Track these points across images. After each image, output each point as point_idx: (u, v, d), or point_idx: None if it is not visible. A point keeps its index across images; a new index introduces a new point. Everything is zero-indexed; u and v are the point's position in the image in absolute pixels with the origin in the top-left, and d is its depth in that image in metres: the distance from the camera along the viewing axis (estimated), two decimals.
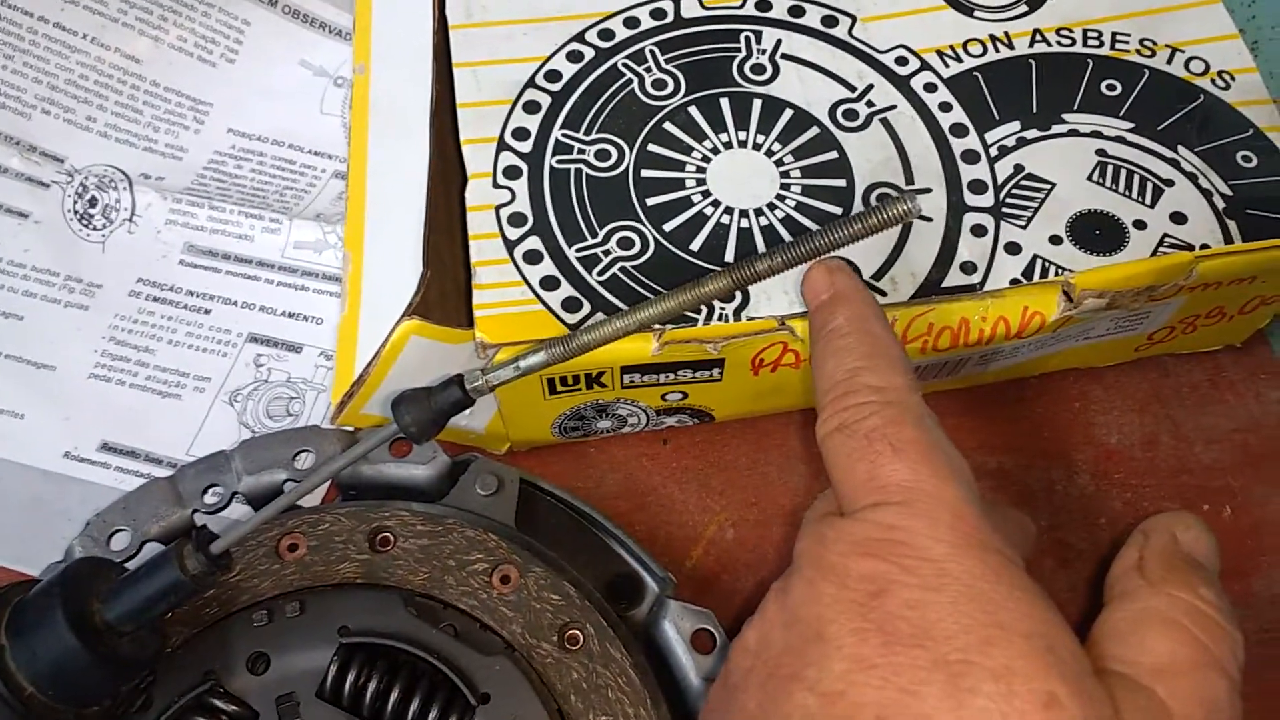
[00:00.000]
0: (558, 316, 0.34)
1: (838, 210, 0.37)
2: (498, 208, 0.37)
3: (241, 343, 0.44)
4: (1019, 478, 0.41)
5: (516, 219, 0.37)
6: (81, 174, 0.47)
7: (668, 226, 0.37)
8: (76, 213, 0.47)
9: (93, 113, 0.48)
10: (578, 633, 0.33)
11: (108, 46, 0.48)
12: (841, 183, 0.38)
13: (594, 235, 0.36)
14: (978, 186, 0.38)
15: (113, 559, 0.34)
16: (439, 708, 0.31)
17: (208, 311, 0.45)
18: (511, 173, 0.38)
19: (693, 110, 0.39)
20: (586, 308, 0.35)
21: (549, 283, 0.35)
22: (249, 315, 0.44)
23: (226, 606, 0.33)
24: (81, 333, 0.44)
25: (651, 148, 0.38)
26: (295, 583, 0.33)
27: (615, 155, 0.38)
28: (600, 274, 0.35)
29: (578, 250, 0.36)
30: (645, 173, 0.38)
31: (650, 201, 0.37)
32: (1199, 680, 0.26)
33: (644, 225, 0.37)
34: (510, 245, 0.36)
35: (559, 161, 0.38)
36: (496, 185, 0.37)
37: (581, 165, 0.38)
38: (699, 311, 0.35)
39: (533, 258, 0.36)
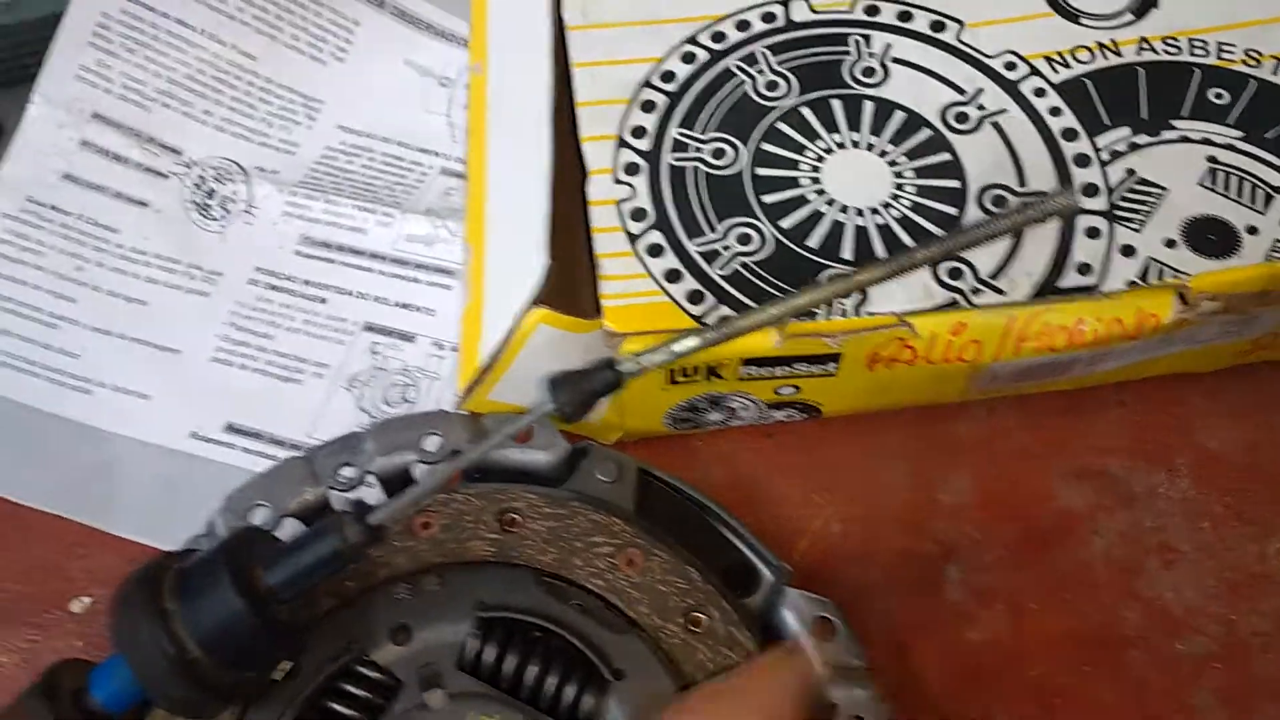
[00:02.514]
0: (683, 308, 0.36)
1: (953, 211, 0.38)
2: (619, 202, 0.38)
3: (357, 331, 0.45)
4: (1123, 479, 0.41)
5: (638, 214, 0.38)
6: (199, 166, 0.49)
7: (785, 224, 0.38)
8: (195, 203, 0.48)
9: (209, 107, 0.50)
10: (702, 616, 0.34)
11: (225, 43, 0.50)
12: (955, 184, 0.39)
13: (713, 230, 0.37)
14: (1090, 190, 0.39)
15: None
16: (576, 682, 0.32)
17: (324, 300, 0.46)
18: (631, 169, 0.39)
19: (805, 111, 0.40)
20: (710, 300, 0.36)
21: (672, 275, 0.36)
22: (363, 305, 0.46)
23: (364, 580, 0.34)
24: (203, 318, 0.45)
25: (766, 146, 0.39)
26: (429, 559, 0.34)
27: (731, 153, 0.39)
28: (722, 268, 0.37)
29: (698, 245, 0.37)
30: (761, 171, 0.39)
31: (767, 199, 0.38)
32: None
33: (761, 222, 0.38)
34: (633, 239, 0.37)
35: (677, 159, 0.39)
36: (617, 181, 0.38)
37: (699, 163, 0.39)
38: (818, 307, 0.35)
39: (655, 251, 0.37)
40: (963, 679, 0.38)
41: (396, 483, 0.38)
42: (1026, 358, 0.37)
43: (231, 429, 0.43)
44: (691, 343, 0.32)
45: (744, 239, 0.37)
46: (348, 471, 0.37)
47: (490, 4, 0.45)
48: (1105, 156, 0.39)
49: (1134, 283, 0.36)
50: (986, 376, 0.39)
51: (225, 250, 0.47)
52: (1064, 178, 0.39)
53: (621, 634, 0.33)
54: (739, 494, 0.41)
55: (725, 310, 0.35)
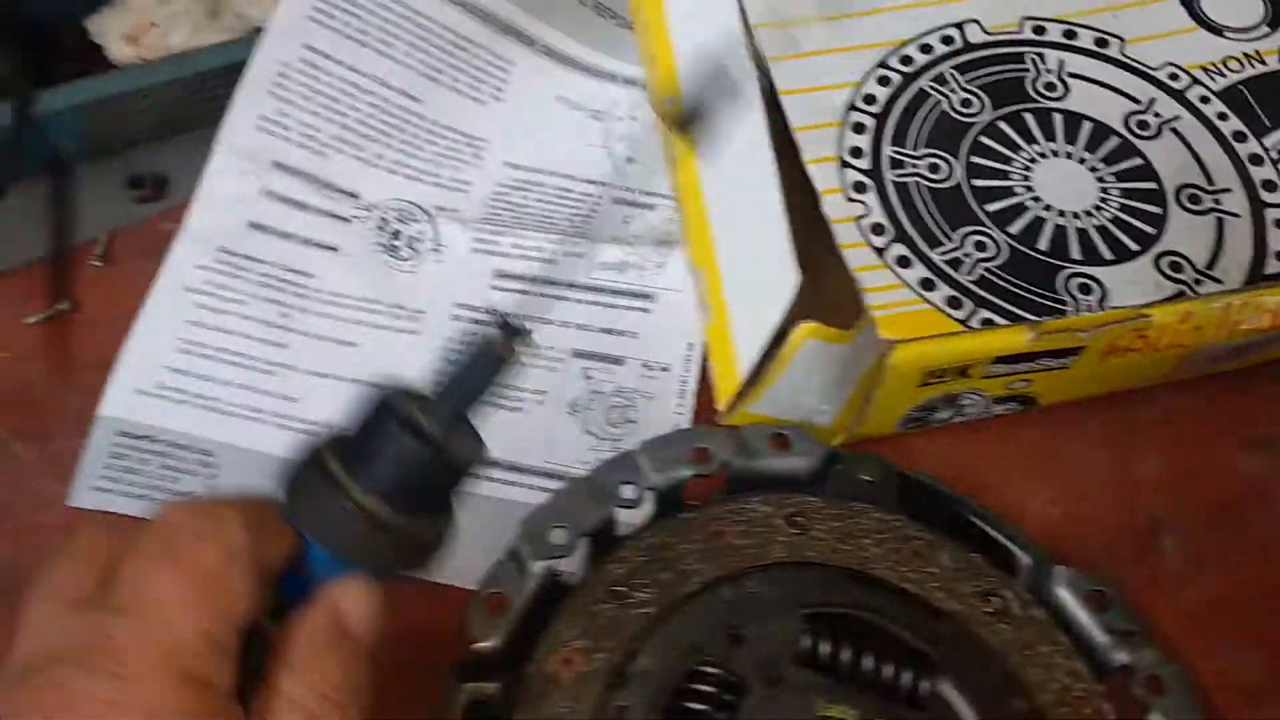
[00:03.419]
0: (945, 313, 0.38)
1: (1157, 210, 0.42)
2: (857, 219, 0.41)
3: (567, 358, 0.47)
4: None
5: (877, 229, 0.40)
6: (379, 208, 0.50)
7: (1012, 230, 0.41)
8: (381, 245, 0.49)
9: (380, 150, 0.51)
10: (996, 597, 0.36)
11: (393, 88, 0.51)
12: (1152, 185, 0.42)
13: (949, 240, 0.40)
14: (1269, 185, 0.42)
15: (552, 550, 0.37)
16: (910, 667, 0.34)
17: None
18: (859, 187, 0.41)
19: (1002, 125, 0.44)
20: (968, 305, 0.38)
21: (926, 284, 0.39)
22: (567, 332, 0.48)
23: (669, 593, 0.35)
24: (416, 355, 0.46)
25: (975, 159, 0.43)
26: (736, 565, 0.36)
27: (945, 168, 0.42)
28: (968, 274, 0.39)
29: (940, 254, 0.40)
30: (976, 182, 0.42)
31: (989, 208, 0.41)
32: None
33: (991, 229, 0.41)
34: (879, 252, 0.40)
35: (897, 176, 0.42)
36: (849, 200, 0.41)
37: (918, 178, 0.42)
38: (1064, 302, 0.39)
39: (904, 262, 0.40)
40: (1195, 636, 0.41)
41: (672, 497, 0.39)
42: (1237, 339, 0.41)
43: None
44: None
45: (980, 245, 0.40)
46: (628, 490, 0.39)
47: (677, 40, 0.47)
48: (1274, 155, 0.43)
49: None
50: (1196, 359, 0.42)
51: (422, 288, 0.48)
52: (1244, 176, 0.43)
53: (931, 620, 0.35)
54: (961, 486, 0.44)
55: (984, 314, 0.38)
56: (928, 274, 0.39)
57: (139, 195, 0.50)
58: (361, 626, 0.27)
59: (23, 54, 0.49)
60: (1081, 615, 0.37)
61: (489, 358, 0.29)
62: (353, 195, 0.50)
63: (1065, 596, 0.38)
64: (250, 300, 0.47)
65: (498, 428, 0.45)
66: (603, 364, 0.47)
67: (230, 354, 0.46)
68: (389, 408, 0.28)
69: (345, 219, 0.50)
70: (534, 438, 0.45)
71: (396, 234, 0.50)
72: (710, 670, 0.34)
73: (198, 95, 0.50)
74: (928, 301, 0.38)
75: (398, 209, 0.50)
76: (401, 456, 0.27)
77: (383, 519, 0.27)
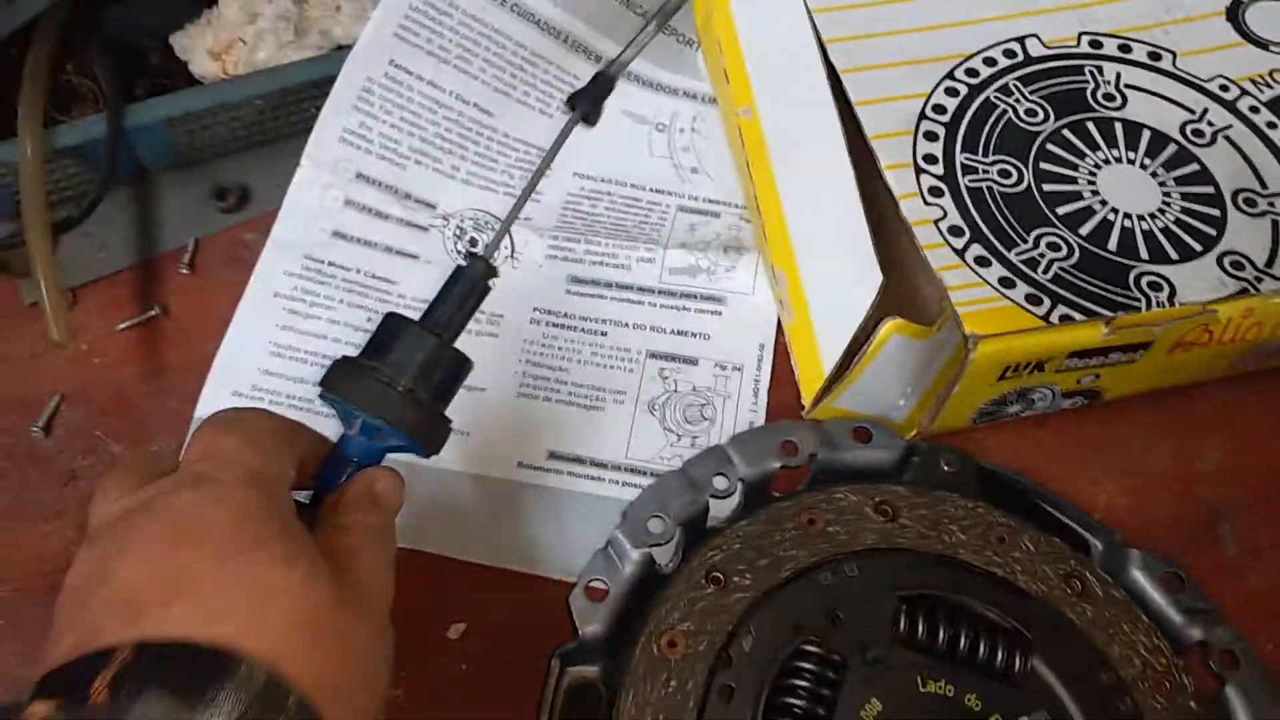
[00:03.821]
0: (1025, 310, 0.40)
1: (1215, 213, 0.44)
2: (935, 222, 0.42)
3: (643, 359, 0.48)
4: None
5: (955, 230, 0.42)
6: (455, 218, 0.52)
7: (1083, 231, 0.43)
8: (458, 252, 0.51)
9: (455, 162, 0.53)
10: (1081, 580, 0.38)
11: (468, 102, 0.53)
12: (1210, 190, 0.44)
13: (1024, 241, 0.42)
14: None
15: (650, 539, 0.38)
16: (1004, 647, 0.35)
17: (604, 334, 0.49)
18: (935, 192, 0.43)
19: (1066, 133, 0.46)
20: (1047, 303, 0.40)
21: (1006, 282, 0.41)
22: (642, 335, 0.49)
23: (767, 578, 0.37)
24: (500, 357, 0.48)
25: (1044, 165, 0.44)
26: (829, 551, 0.38)
27: (1015, 174, 0.44)
28: (1045, 273, 0.41)
29: (1017, 254, 0.42)
30: (1046, 187, 0.44)
31: (1060, 211, 0.43)
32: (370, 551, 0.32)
33: (1063, 231, 0.43)
34: (959, 252, 0.42)
35: (970, 181, 0.44)
36: (926, 204, 0.43)
37: (990, 183, 0.44)
38: (1136, 299, 0.40)
39: (982, 262, 0.41)
40: (1255, 620, 0.43)
41: (761, 489, 0.41)
42: None
43: (554, 456, 0.46)
44: None
45: (1054, 246, 0.42)
46: (720, 481, 0.41)
47: (748, 56, 0.49)
48: None
49: None
50: (1254, 354, 0.44)
51: (500, 294, 0.49)
52: None
53: (1019, 601, 0.37)
54: (1028, 478, 0.46)
55: (1062, 310, 0.40)
56: (1006, 273, 0.41)
57: (223, 206, 0.52)
58: (388, 495, 0.34)
59: (113, 70, 0.50)
60: (1156, 595, 0.39)
61: (466, 285, 0.37)
62: (431, 205, 0.52)
63: (1140, 578, 0.39)
64: (337, 305, 0.49)
65: (579, 426, 0.47)
66: (677, 364, 0.48)
67: (320, 357, 0.47)
68: (399, 318, 0.36)
69: (424, 228, 0.51)
70: (614, 435, 0.46)
71: (473, 242, 0.51)
72: (812, 650, 0.35)
73: (281, 109, 0.52)
74: (1008, 299, 0.40)
75: (474, 218, 0.52)
76: (418, 346, 0.35)
77: (419, 395, 0.35)
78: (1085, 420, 0.47)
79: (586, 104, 0.40)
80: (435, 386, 0.36)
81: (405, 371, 0.35)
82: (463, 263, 0.38)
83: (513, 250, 0.51)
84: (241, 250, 0.50)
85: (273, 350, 0.47)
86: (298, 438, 0.34)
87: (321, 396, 0.36)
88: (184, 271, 0.50)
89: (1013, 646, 0.36)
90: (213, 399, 0.46)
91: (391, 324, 0.36)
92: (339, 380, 0.35)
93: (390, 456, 0.36)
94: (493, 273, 0.38)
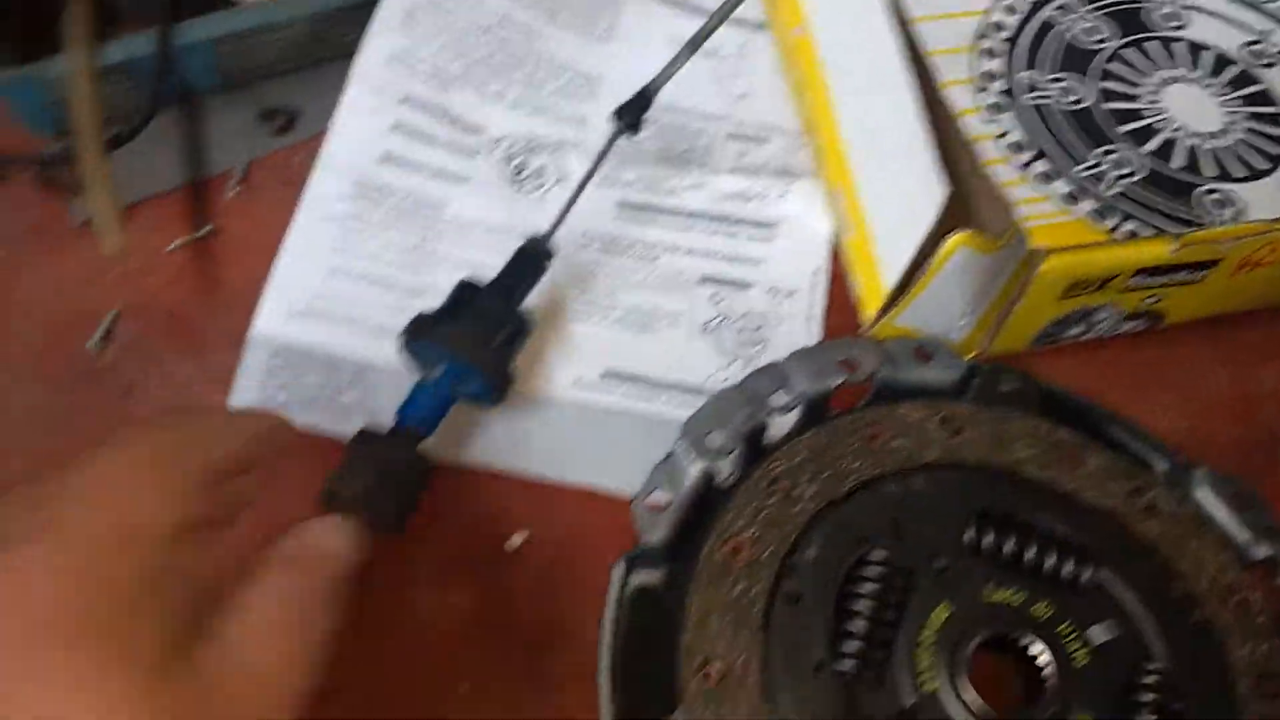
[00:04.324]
0: (1092, 224, 0.40)
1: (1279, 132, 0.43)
2: (996, 138, 0.42)
3: (695, 284, 0.48)
4: None
5: (1015, 147, 0.42)
6: (505, 141, 0.51)
7: (1147, 149, 0.42)
8: (508, 177, 0.51)
9: (502, 87, 0.52)
10: (1148, 496, 0.38)
11: (514, 25, 0.53)
12: (1274, 109, 0.44)
13: (1088, 158, 0.42)
14: None
15: (710, 452, 0.38)
16: (1072, 559, 0.35)
17: (656, 259, 0.49)
18: (995, 109, 0.43)
19: (1127, 53, 0.45)
20: (1113, 218, 0.40)
21: (1071, 198, 0.40)
22: (694, 260, 0.49)
23: (831, 488, 0.37)
24: (551, 283, 0.48)
25: (1105, 84, 0.44)
26: (891, 465, 0.38)
27: (1077, 91, 0.44)
28: (1109, 189, 0.41)
29: (1081, 171, 0.41)
30: (1108, 105, 0.43)
31: (1123, 129, 0.43)
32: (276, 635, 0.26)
33: (1128, 149, 0.42)
34: (1023, 168, 0.41)
35: (1031, 99, 0.43)
36: (987, 121, 0.42)
37: (1051, 101, 0.43)
38: (1202, 217, 0.40)
39: (1046, 178, 0.41)
40: None
41: (819, 406, 0.41)
42: None
43: (608, 376, 0.46)
44: None
45: (1118, 164, 0.41)
46: (780, 397, 0.40)
47: None
48: None
49: None
50: None
51: (549, 217, 0.50)
52: None
53: (1086, 516, 0.37)
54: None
55: (1129, 225, 0.40)
56: (1071, 189, 0.40)
57: (272, 128, 0.51)
58: (328, 552, 0.29)
59: None
60: (1223, 513, 0.39)
61: (527, 263, 0.43)
62: (478, 129, 0.52)
63: (1207, 496, 0.39)
64: (388, 228, 0.49)
65: (634, 348, 0.47)
66: (730, 289, 0.48)
67: (374, 278, 0.47)
68: (473, 284, 0.42)
69: (473, 152, 0.51)
70: (669, 357, 0.46)
71: (522, 166, 0.51)
72: (877, 560, 0.35)
73: (327, 31, 0.51)
74: (1074, 214, 0.40)
75: (522, 142, 0.52)
76: (492, 306, 0.42)
77: (496, 346, 0.41)
78: (1145, 345, 0.47)
79: (632, 115, 0.45)
80: (506, 343, 0.42)
81: (483, 327, 0.41)
82: (523, 245, 0.44)
83: (562, 174, 0.51)
84: (291, 173, 0.50)
85: (327, 271, 0.47)
86: (209, 440, 0.28)
87: (408, 345, 0.41)
88: (235, 193, 0.50)
89: (1081, 559, 0.36)
90: (270, 318, 0.45)
91: (466, 289, 0.42)
92: (430, 330, 0.41)
93: None
94: (550, 254, 0.44)
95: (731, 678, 0.33)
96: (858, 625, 0.34)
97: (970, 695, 0.32)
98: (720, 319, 0.47)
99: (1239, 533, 0.39)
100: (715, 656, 0.34)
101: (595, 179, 0.51)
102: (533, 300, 0.45)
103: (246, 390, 0.44)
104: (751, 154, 0.52)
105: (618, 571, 0.37)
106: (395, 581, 0.41)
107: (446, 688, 0.39)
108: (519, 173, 0.51)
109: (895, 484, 0.37)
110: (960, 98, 0.43)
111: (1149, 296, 0.42)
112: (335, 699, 0.32)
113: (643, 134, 0.53)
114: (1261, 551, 0.38)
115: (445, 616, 0.40)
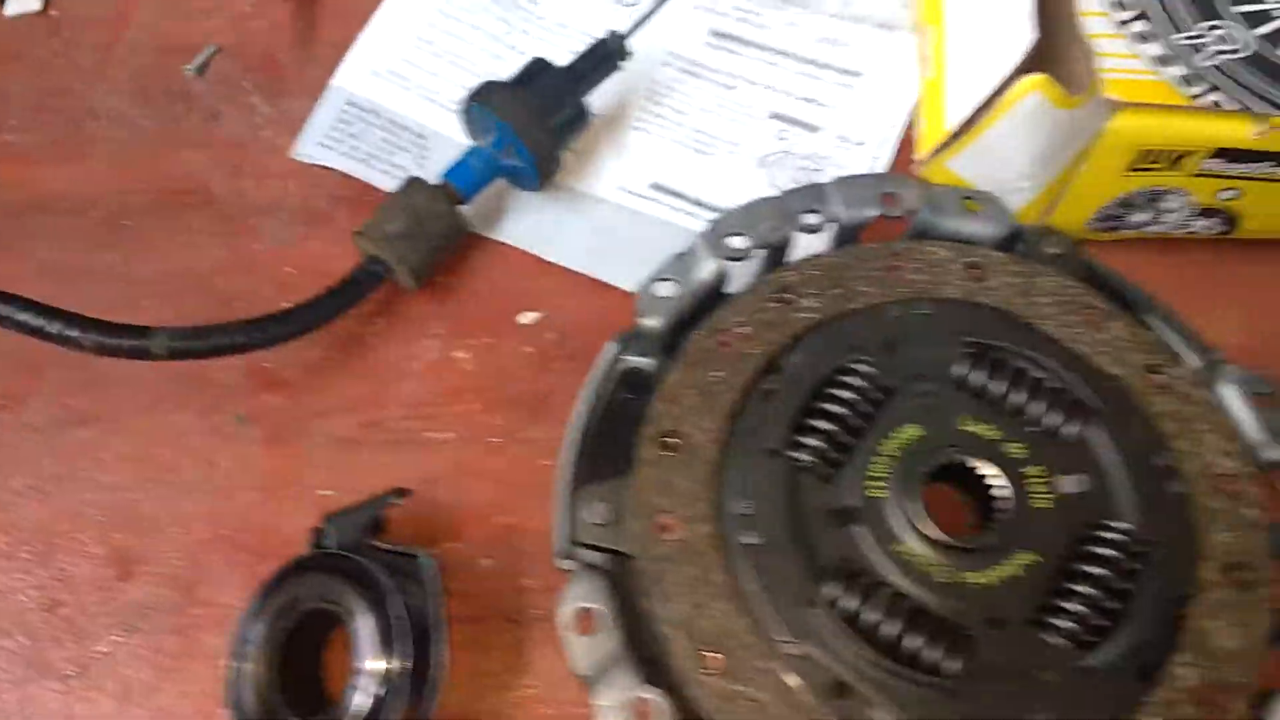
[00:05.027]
0: (1175, 88, 0.37)
1: None
2: None
3: (764, 118, 0.48)
4: None
5: (1118, 5, 0.39)
6: None
7: (1259, 32, 0.39)
8: None
9: None
10: (1165, 374, 0.36)
11: None
12: None
13: (1194, 27, 0.39)
14: None
15: (727, 252, 0.38)
16: (1061, 408, 0.34)
17: (732, 88, 0.49)
18: None
19: None
20: (1201, 87, 0.37)
21: (1162, 60, 0.38)
22: (770, 95, 0.48)
23: (836, 305, 0.36)
24: (620, 89, 0.48)
25: None
26: (905, 293, 0.37)
27: None
28: (1205, 60, 0.38)
29: (1182, 38, 0.39)
30: None
31: (1237, 8, 0.40)
32: None
33: (1238, 27, 0.39)
34: (1121, 25, 0.39)
35: None
36: None
37: None
38: None
39: (1142, 38, 0.38)
40: None
41: (851, 235, 0.40)
42: None
43: (656, 187, 0.46)
44: None
45: (1222, 40, 0.39)
46: (812, 217, 0.40)
47: None
48: None
49: None
50: None
51: (639, 32, 0.50)
52: None
53: (1093, 378, 0.35)
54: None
55: (1215, 96, 0.37)
56: (1166, 52, 0.38)
57: None
58: None
59: None
60: (1243, 411, 0.36)
61: (601, 58, 0.44)
62: None
63: (1230, 392, 0.37)
64: (481, 12, 0.50)
65: (688, 166, 0.47)
66: (799, 129, 0.47)
67: (454, 56, 0.49)
68: (546, 62, 0.43)
69: None
70: (721, 180, 0.46)
71: None
72: (860, 370, 0.35)
73: None
74: (1160, 75, 0.37)
75: None
76: (557, 89, 0.43)
77: (550, 127, 0.42)
78: (1213, 253, 0.44)
79: None
80: (561, 126, 0.43)
81: (544, 106, 0.42)
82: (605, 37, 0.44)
83: None
84: None
85: (414, 41, 0.49)
86: None
87: (470, 105, 0.42)
88: None
89: (1070, 413, 0.34)
90: (351, 72, 0.48)
91: (539, 65, 0.43)
92: (493, 95, 0.42)
93: None
94: (625, 54, 0.45)
95: (686, 449, 0.34)
96: (823, 424, 0.34)
97: (913, 507, 0.32)
98: (781, 155, 0.47)
99: (1255, 432, 0.36)
100: (678, 429, 0.34)
101: (693, 2, 0.51)
102: (599, 100, 0.46)
103: (312, 137, 0.46)
104: (858, 3, 0.51)
105: (608, 348, 0.38)
106: (408, 332, 0.43)
107: (436, 431, 0.41)
108: None
109: (900, 308, 0.36)
110: None
111: (1225, 189, 0.40)
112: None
113: None
114: (1275, 455, 0.36)
115: (447, 369, 0.42)
